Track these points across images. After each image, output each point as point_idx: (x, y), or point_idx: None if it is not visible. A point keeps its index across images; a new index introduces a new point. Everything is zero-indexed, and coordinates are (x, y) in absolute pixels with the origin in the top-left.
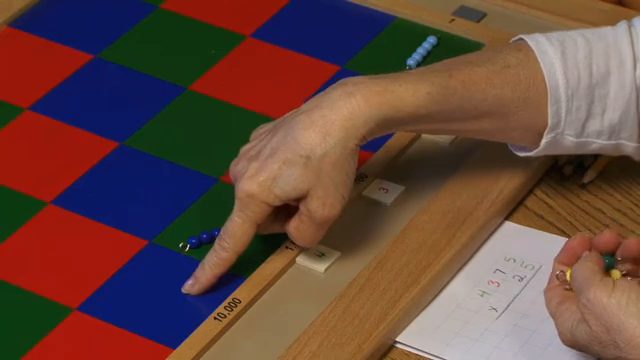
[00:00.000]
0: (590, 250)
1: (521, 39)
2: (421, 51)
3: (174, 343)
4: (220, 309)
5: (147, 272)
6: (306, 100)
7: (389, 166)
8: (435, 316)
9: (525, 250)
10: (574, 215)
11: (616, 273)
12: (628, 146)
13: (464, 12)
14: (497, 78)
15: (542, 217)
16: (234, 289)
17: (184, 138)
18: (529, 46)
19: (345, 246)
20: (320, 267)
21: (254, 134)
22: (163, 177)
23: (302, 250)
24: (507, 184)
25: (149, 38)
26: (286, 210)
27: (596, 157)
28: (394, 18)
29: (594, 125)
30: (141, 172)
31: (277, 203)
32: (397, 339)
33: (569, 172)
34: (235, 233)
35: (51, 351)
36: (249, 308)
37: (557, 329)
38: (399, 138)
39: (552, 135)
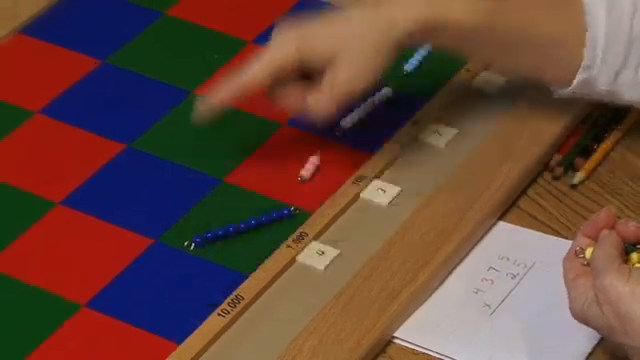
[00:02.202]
0: (613, 227)
1: None
2: (417, 57)
3: (179, 338)
4: (224, 306)
5: (153, 270)
6: None
7: (386, 168)
8: (431, 312)
9: (518, 249)
10: (565, 215)
11: (636, 256)
12: None
13: None
14: (541, 12)
15: (534, 217)
16: (237, 286)
17: (189, 140)
18: None
19: (344, 245)
20: (320, 265)
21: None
22: (168, 178)
23: (303, 249)
24: (500, 185)
25: (155, 44)
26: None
27: (586, 159)
28: None
29: (627, 76)
30: (147, 173)
31: (305, 54)
32: (395, 335)
33: (560, 173)
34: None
35: (61, 346)
36: (252, 305)
37: (569, 301)
38: (396, 141)
39: (584, 76)
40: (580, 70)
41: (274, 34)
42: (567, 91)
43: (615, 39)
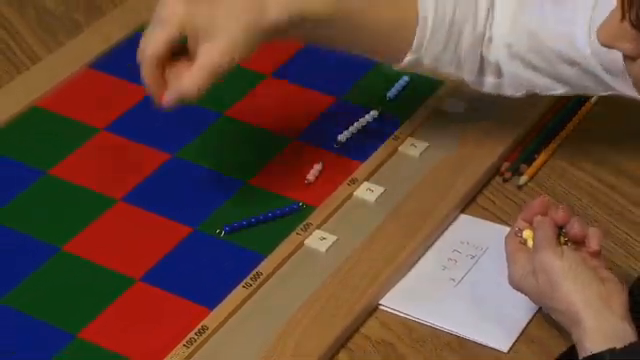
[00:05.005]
0: (546, 213)
1: None
2: (397, 87)
3: (212, 305)
4: (247, 280)
5: (192, 252)
6: (309, 125)
7: (373, 173)
8: (409, 285)
9: (476, 235)
10: (512, 209)
11: (562, 239)
12: (467, 77)
13: None
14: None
15: (489, 211)
16: (257, 265)
17: (220, 150)
18: None
19: (341, 232)
20: (322, 248)
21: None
22: (204, 180)
23: (308, 235)
24: (462, 186)
25: None
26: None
27: (529, 165)
28: (378, 62)
29: (447, 56)
30: (188, 176)
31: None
32: (380, 302)
33: (508, 176)
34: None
35: (120, 311)
36: (269, 279)
37: (508, 270)
38: (381, 152)
39: (414, 57)
40: (409, 53)
41: (160, 5)
42: (397, 67)
43: (440, 24)
